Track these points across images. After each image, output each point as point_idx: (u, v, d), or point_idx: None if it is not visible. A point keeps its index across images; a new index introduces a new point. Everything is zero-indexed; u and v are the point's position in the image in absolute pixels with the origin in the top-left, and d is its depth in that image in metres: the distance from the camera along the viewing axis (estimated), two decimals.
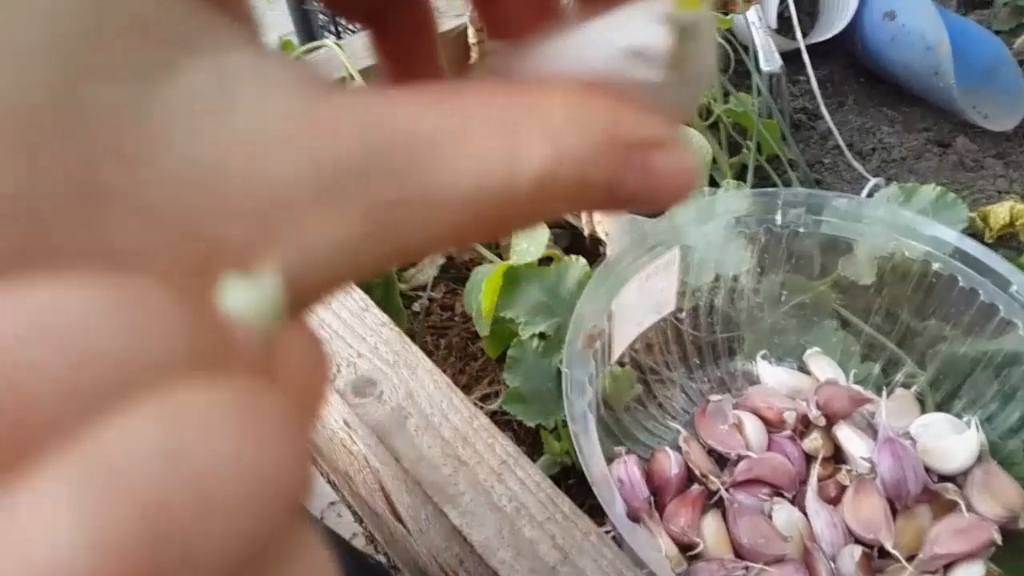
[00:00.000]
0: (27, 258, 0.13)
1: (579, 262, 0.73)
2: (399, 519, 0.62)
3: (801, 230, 0.72)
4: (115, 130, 0.13)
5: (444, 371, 0.60)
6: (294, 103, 0.14)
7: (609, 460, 0.64)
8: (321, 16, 1.21)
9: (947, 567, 0.59)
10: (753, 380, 0.74)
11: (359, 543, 0.66)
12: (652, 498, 0.63)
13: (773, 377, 0.73)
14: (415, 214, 0.15)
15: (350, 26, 1.14)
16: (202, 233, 0.13)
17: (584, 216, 0.81)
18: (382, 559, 0.66)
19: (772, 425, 0.69)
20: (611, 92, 0.17)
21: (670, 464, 0.64)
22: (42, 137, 0.12)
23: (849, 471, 0.64)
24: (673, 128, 0.18)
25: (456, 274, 0.86)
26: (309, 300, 0.15)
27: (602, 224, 0.78)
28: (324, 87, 0.15)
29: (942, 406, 0.70)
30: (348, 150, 0.14)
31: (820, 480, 0.64)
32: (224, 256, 0.14)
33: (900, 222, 0.70)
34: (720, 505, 0.64)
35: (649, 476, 0.65)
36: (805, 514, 0.63)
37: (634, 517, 0.62)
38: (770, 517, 0.62)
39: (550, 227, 0.81)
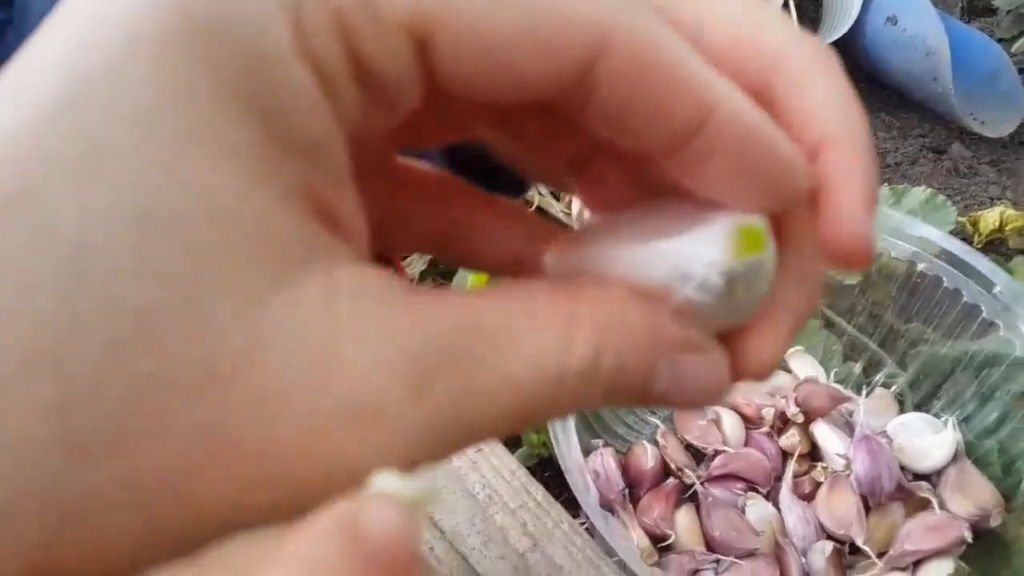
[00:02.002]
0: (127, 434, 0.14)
1: None
2: None
3: None
4: (228, 336, 0.14)
5: None
6: (386, 309, 0.16)
7: (586, 453, 0.64)
8: None
9: (916, 564, 0.59)
10: None
11: None
12: (627, 490, 0.63)
13: None
14: (482, 400, 0.16)
15: None
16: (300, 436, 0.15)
17: (574, 210, 0.81)
18: None
19: (750, 421, 0.69)
20: (658, 300, 0.18)
21: (646, 458, 0.65)
22: (166, 336, 0.14)
23: (824, 468, 0.64)
24: (709, 338, 0.19)
25: (444, 268, 0.87)
26: None
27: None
28: (412, 292, 0.16)
29: (921, 406, 0.70)
30: (428, 347, 0.16)
31: (796, 476, 0.64)
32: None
33: (888, 222, 0.70)
34: (694, 499, 0.64)
35: (625, 469, 0.65)
36: (779, 509, 0.63)
37: (608, 508, 0.62)
38: (743, 512, 0.62)
39: None
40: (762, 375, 0.20)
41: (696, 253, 0.18)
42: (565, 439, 0.59)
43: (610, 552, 0.54)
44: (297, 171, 0.15)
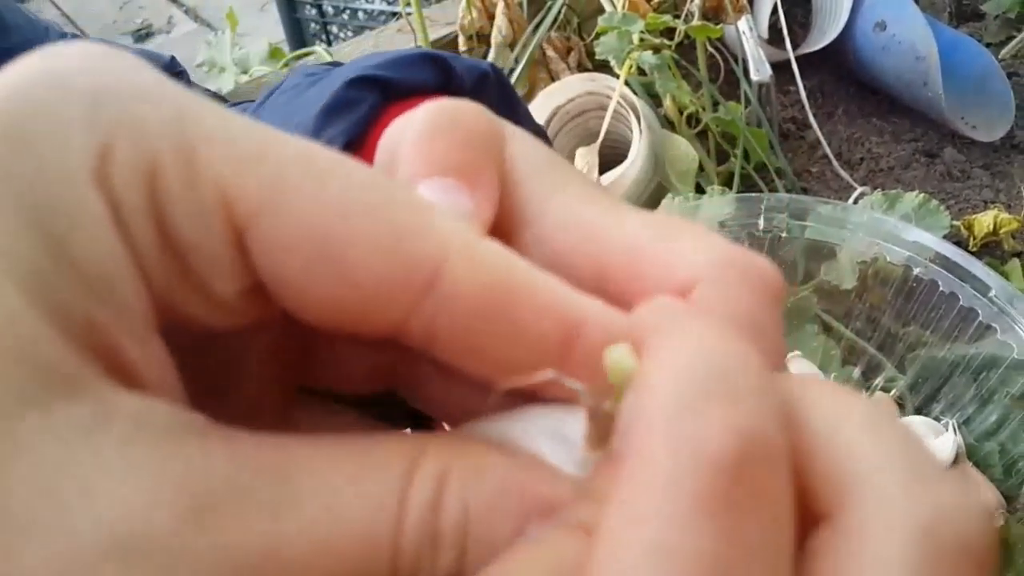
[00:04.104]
0: None
1: None
2: None
3: (784, 235, 0.73)
4: None
5: None
6: (170, 442, 0.14)
7: None
8: (312, 24, 1.22)
9: None
10: None
11: None
12: None
13: None
14: (285, 550, 0.14)
15: (340, 33, 1.15)
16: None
17: None
18: None
19: None
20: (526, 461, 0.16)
21: None
22: None
23: None
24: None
25: None
26: None
27: None
28: (212, 428, 0.15)
29: (921, 409, 0.70)
30: (214, 483, 0.14)
31: None
32: None
33: (883, 227, 0.71)
34: None
35: None
36: None
37: None
38: None
39: None
40: None
41: (572, 410, 0.16)
42: None
43: None
44: (78, 302, 0.14)
